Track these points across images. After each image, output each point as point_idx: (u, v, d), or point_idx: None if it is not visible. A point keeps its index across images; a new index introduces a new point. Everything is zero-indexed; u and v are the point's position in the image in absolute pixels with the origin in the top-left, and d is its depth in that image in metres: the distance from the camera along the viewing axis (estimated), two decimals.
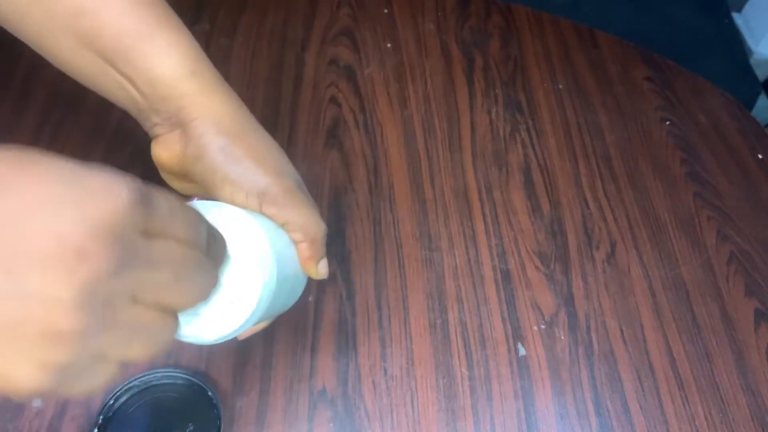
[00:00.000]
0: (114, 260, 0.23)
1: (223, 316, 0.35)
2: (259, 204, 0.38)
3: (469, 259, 0.60)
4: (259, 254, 0.35)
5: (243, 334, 0.42)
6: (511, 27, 0.83)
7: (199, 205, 0.36)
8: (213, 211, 0.35)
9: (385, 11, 0.81)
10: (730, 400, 0.54)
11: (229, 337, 0.35)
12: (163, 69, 0.39)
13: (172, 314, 0.28)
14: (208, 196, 0.40)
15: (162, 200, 0.26)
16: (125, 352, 0.26)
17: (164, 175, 0.43)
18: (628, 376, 0.54)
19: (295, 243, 0.40)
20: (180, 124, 0.39)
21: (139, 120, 0.42)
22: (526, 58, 0.79)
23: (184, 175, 0.41)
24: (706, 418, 0.53)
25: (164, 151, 0.41)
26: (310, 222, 0.40)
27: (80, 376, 0.25)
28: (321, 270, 0.41)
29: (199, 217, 0.29)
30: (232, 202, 0.37)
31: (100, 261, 0.23)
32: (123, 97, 0.41)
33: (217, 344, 0.52)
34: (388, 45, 0.77)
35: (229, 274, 0.34)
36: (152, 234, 0.26)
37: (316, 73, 0.73)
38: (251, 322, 0.35)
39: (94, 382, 0.26)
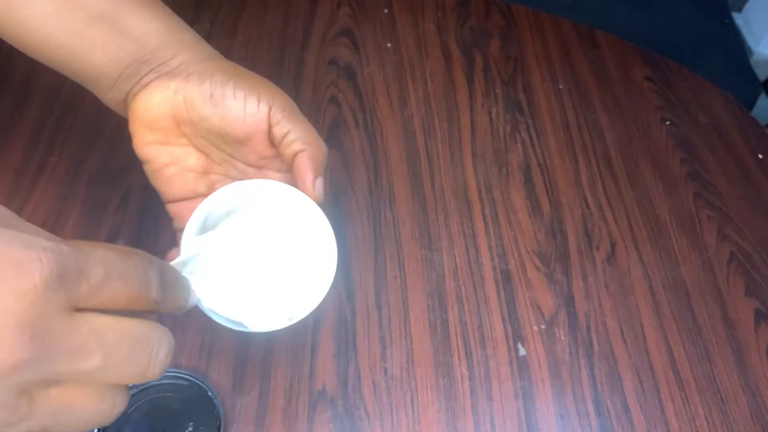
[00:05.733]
0: (26, 353, 0.21)
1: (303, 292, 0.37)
2: (268, 110, 0.39)
3: (469, 259, 0.60)
4: (322, 232, 0.37)
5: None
6: (511, 27, 0.82)
7: (237, 185, 0.37)
8: (254, 187, 0.37)
9: (385, 11, 0.81)
10: (731, 400, 0.54)
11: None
12: (158, 22, 0.40)
13: (107, 391, 0.25)
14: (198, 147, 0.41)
15: (96, 262, 0.23)
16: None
17: (143, 140, 0.41)
18: (628, 376, 0.54)
19: (295, 154, 0.40)
20: (176, 66, 0.40)
21: (119, 83, 0.40)
22: (526, 58, 0.79)
23: (175, 122, 0.40)
24: (706, 417, 0.53)
25: (159, 93, 0.39)
26: (312, 135, 0.40)
27: None
28: (318, 187, 0.40)
29: (146, 267, 0.26)
30: (244, 110, 0.38)
31: (8, 357, 0.21)
32: (101, 60, 0.40)
33: (218, 344, 0.52)
34: (388, 45, 0.77)
35: (294, 255, 0.36)
36: (81, 307, 0.23)
37: (316, 73, 0.73)
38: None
39: None
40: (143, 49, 0.40)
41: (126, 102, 0.41)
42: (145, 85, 0.40)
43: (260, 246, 0.37)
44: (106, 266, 0.24)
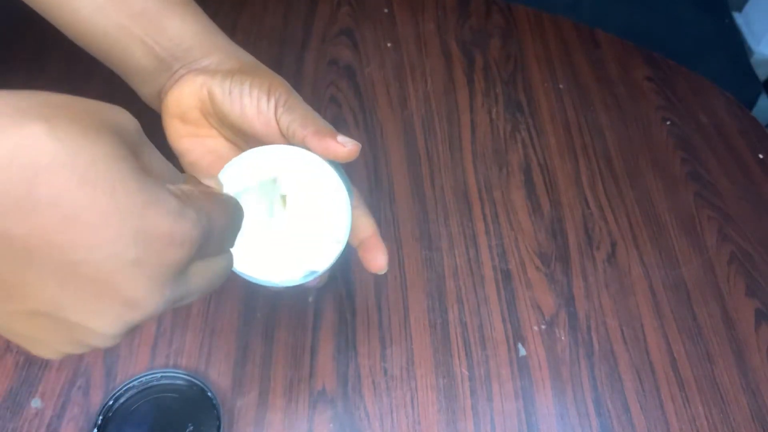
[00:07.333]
0: (159, 304, 0.25)
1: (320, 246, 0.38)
2: (274, 105, 0.40)
3: (469, 259, 0.59)
4: (338, 185, 0.39)
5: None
6: (511, 27, 0.82)
7: (264, 149, 0.38)
8: (279, 153, 0.39)
9: (385, 11, 0.81)
10: (731, 400, 0.54)
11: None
12: (195, 25, 0.43)
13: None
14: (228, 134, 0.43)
15: (214, 230, 0.28)
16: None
17: (177, 133, 0.43)
18: (628, 376, 0.54)
19: (303, 139, 0.40)
20: (205, 65, 0.42)
21: (154, 76, 0.43)
22: (526, 58, 0.79)
23: (203, 114, 0.42)
24: (706, 418, 0.53)
25: (188, 86, 0.41)
26: (309, 116, 0.41)
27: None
28: (343, 142, 0.40)
29: (235, 205, 0.31)
30: (257, 108, 0.40)
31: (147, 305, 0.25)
32: (141, 53, 0.42)
33: (218, 344, 0.52)
34: (388, 45, 0.77)
35: (313, 212, 0.38)
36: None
37: (316, 72, 0.73)
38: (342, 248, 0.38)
39: None
40: (177, 47, 0.42)
41: (160, 97, 0.43)
42: (177, 80, 0.42)
43: (281, 205, 0.39)
44: (219, 232, 0.29)
